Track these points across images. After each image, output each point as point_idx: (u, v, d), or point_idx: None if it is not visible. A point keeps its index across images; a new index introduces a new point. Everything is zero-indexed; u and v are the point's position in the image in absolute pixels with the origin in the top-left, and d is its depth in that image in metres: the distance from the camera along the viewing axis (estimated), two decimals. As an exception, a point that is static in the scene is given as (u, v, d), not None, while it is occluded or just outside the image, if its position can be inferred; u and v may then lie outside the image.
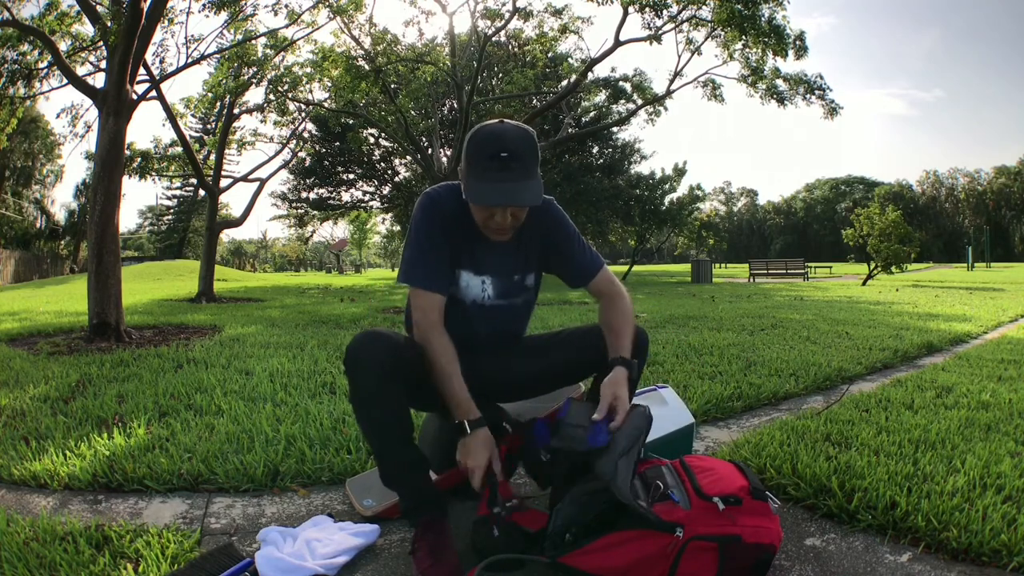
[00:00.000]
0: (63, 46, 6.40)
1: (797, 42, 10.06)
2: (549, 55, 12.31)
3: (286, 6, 8.16)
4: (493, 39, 11.87)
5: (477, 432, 1.37)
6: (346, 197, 22.22)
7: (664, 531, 1.24)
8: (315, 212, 22.24)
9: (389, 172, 21.63)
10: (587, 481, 1.42)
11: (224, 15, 7.58)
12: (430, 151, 13.12)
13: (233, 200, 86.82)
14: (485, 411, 1.43)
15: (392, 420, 1.39)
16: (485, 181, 1.34)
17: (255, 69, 9.10)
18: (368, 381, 1.36)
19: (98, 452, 1.99)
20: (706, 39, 10.83)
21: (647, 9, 10.00)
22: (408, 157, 16.24)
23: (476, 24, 11.34)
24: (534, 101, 14.28)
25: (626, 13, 10.22)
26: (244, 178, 11.78)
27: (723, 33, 10.26)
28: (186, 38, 7.36)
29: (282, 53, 9.50)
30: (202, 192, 13.79)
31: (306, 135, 16.92)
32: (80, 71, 6.60)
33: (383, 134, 15.44)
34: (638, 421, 1.33)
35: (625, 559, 1.24)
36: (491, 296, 1.58)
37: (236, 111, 10.77)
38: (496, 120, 1.40)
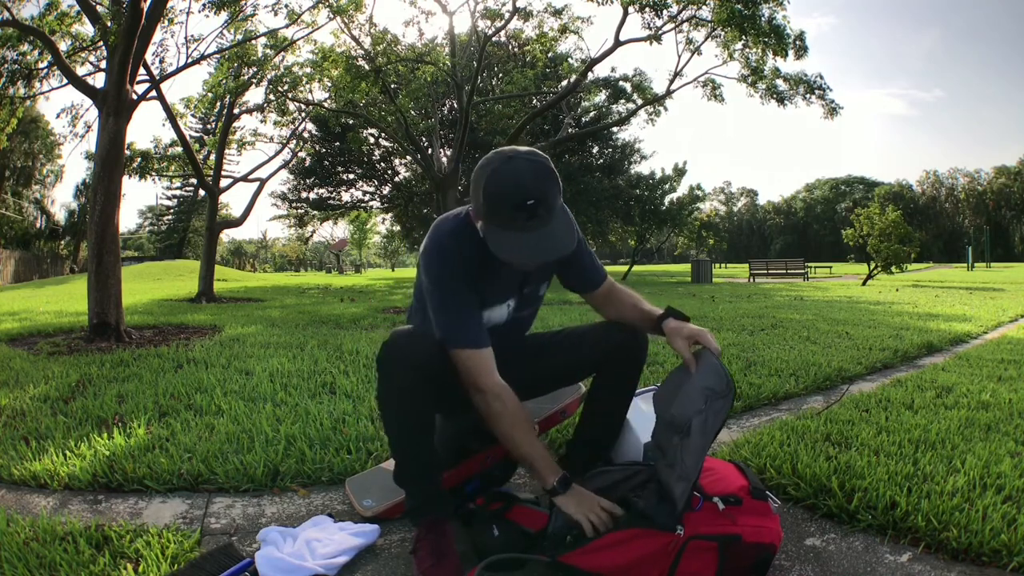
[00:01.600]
0: (63, 46, 6.40)
1: (797, 42, 10.06)
2: (549, 55, 12.29)
3: (286, 6, 8.17)
4: (493, 39, 11.86)
5: (574, 488, 1.35)
6: (346, 197, 22.21)
7: (664, 530, 1.24)
8: (315, 212, 22.22)
9: (389, 172, 21.63)
10: (590, 478, 1.42)
11: (224, 15, 7.57)
12: (430, 151, 13.11)
13: (233, 200, 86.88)
14: None
15: (420, 419, 1.40)
16: (514, 231, 1.27)
17: (255, 69, 9.09)
18: (404, 378, 1.36)
19: (98, 452, 1.99)
20: (706, 39, 10.83)
21: (647, 9, 10.00)
22: (408, 157, 16.22)
23: (476, 24, 11.33)
24: (534, 101, 14.27)
25: (626, 13, 10.22)
26: (244, 178, 11.78)
27: (723, 33, 10.25)
28: (186, 38, 7.35)
29: (282, 53, 9.49)
30: (202, 192, 13.80)
31: (306, 135, 16.92)
32: (80, 71, 6.60)
33: (383, 134, 15.43)
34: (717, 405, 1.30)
35: (625, 558, 1.24)
36: (513, 314, 1.57)
37: (236, 111, 10.77)
38: (506, 152, 1.28)
